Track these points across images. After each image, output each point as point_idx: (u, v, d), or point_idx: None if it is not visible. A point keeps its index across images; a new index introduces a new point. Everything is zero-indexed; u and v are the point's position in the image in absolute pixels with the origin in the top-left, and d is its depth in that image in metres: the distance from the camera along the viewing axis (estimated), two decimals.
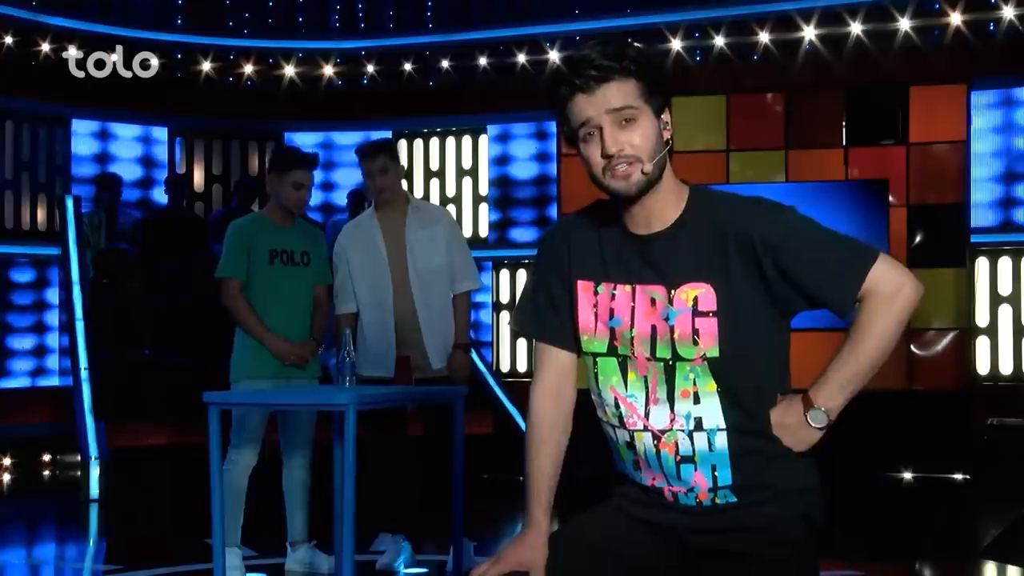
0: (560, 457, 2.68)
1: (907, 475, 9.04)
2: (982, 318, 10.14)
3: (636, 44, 2.53)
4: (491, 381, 9.89)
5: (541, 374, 2.69)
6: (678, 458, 2.53)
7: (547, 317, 2.66)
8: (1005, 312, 10.18)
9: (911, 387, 9.27)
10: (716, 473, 2.52)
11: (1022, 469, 8.76)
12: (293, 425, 5.74)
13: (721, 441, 2.51)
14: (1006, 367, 10.14)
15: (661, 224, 2.51)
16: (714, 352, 2.47)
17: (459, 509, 5.04)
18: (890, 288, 2.45)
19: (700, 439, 2.51)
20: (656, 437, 2.54)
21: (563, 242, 2.63)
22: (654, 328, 2.51)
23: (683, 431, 2.52)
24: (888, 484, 8.88)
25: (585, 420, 2.72)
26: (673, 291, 2.49)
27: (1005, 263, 10.19)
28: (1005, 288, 10.20)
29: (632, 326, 2.53)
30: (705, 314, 2.47)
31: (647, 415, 2.55)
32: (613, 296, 2.56)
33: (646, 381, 2.54)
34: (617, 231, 2.56)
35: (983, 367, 10.11)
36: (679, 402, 2.51)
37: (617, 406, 2.58)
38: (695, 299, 2.47)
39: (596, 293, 2.58)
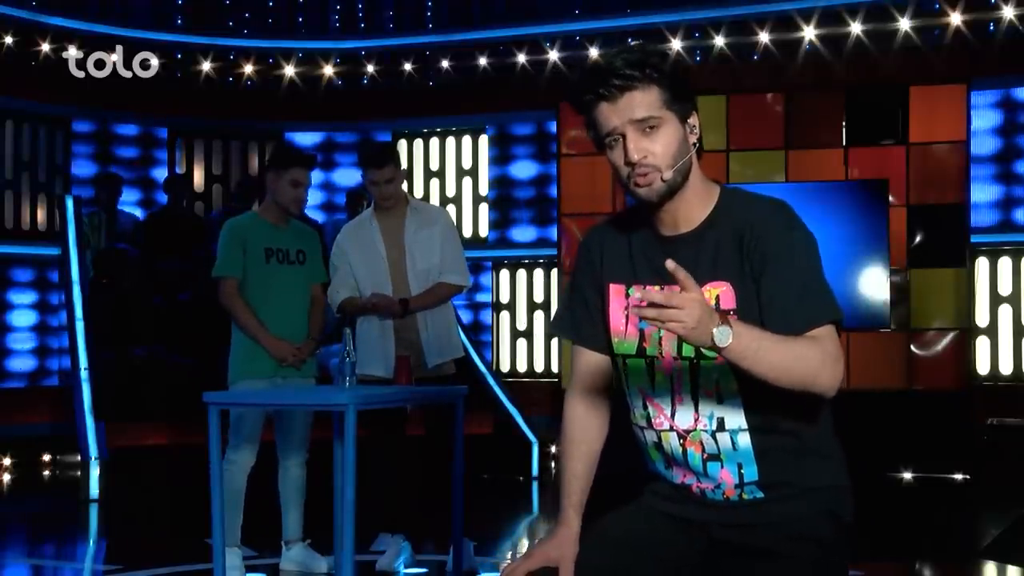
0: (594, 457, 2.73)
1: (907, 475, 9.04)
2: (982, 318, 10.14)
3: (659, 49, 2.53)
4: (491, 381, 9.88)
5: (576, 376, 2.75)
6: (705, 456, 2.56)
7: (583, 321, 2.71)
8: (1005, 312, 10.19)
9: (911, 387, 9.27)
10: (742, 470, 2.55)
11: (1022, 469, 8.77)
12: (290, 425, 5.73)
13: (744, 440, 2.54)
14: (1006, 367, 10.15)
15: (688, 225, 2.55)
16: None
17: (459, 509, 5.04)
18: (833, 350, 2.41)
19: (723, 439, 2.54)
20: (681, 437, 2.58)
21: (596, 247, 2.68)
22: None
23: (706, 431, 2.55)
24: (888, 484, 8.88)
25: (615, 421, 2.75)
26: None
27: (1005, 263, 10.20)
28: (1005, 288, 10.20)
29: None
30: (726, 313, 2.46)
31: (673, 415, 2.58)
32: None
33: (671, 381, 2.57)
34: (647, 233, 2.60)
35: (983, 367, 10.12)
36: (703, 402, 2.54)
37: (645, 407, 2.62)
38: (717, 298, 2.50)
39: (627, 296, 2.62)
